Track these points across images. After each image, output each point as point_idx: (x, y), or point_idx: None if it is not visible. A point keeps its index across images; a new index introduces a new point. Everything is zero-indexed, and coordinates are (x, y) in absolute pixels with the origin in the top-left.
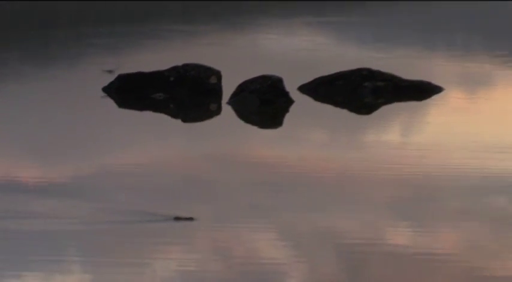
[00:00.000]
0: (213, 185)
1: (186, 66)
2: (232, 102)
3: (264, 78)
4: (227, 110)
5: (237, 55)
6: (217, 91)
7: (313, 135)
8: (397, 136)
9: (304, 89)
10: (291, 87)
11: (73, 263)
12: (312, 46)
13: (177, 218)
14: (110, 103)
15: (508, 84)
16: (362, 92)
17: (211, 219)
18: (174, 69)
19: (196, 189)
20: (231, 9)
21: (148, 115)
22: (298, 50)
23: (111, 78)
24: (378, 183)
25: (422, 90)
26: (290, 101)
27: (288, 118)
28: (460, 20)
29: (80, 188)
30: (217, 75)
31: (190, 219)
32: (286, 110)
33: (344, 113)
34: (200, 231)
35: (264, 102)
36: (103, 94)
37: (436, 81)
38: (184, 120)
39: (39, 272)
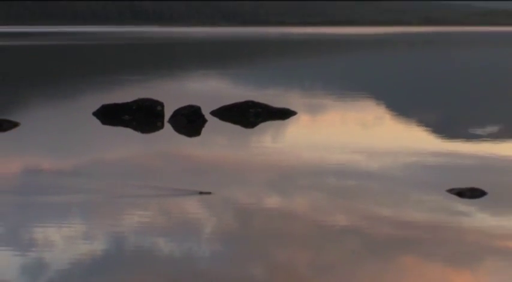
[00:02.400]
0: (159, 169)
1: (142, 100)
2: (170, 121)
3: (189, 107)
4: (168, 126)
5: (171, 93)
6: (161, 115)
7: (219, 141)
8: (270, 141)
9: (214, 113)
10: (206, 112)
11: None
12: (217, 88)
13: (201, 193)
14: (97, 122)
15: (336, 111)
16: (248, 115)
17: (159, 190)
18: (135, 101)
19: (149, 172)
20: (161, 65)
21: (120, 129)
22: (208, 90)
23: (98, 106)
24: (259, 168)
25: (284, 114)
26: (205, 120)
27: (204, 131)
28: (306, 70)
29: (83, 172)
30: (161, 105)
31: (209, 193)
32: (202, 126)
33: (238, 127)
34: (152, 199)
35: (190, 121)
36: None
37: (292, 108)
38: (142, 132)
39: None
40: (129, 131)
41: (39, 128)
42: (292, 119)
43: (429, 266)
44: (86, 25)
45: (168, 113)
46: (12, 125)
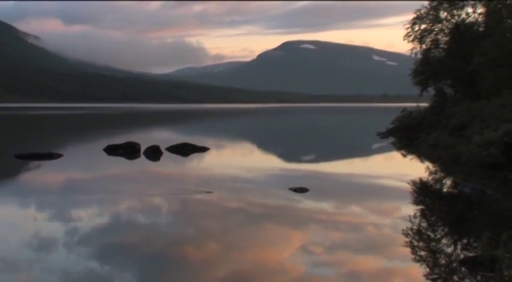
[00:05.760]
0: (140, 179)
1: (128, 142)
2: (144, 153)
3: (153, 146)
4: (142, 156)
5: (144, 139)
6: (139, 150)
7: (169, 164)
8: (196, 163)
9: (167, 149)
10: (162, 148)
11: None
12: (168, 136)
13: (207, 192)
14: (104, 154)
15: (231, 147)
16: (185, 150)
17: (143, 189)
18: (125, 143)
19: (135, 182)
20: (138, 124)
21: (118, 158)
22: (163, 137)
23: (105, 145)
24: (191, 177)
25: (204, 149)
26: (162, 153)
27: (162, 158)
28: (214, 127)
29: (100, 181)
30: (139, 145)
31: (210, 192)
32: (161, 156)
33: (179, 156)
34: (132, 196)
35: (154, 153)
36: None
37: (207, 146)
38: (129, 160)
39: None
40: (122, 159)
41: (75, 157)
42: (208, 152)
43: (280, 228)
44: (96, 103)
45: (142, 149)
46: (59, 155)
